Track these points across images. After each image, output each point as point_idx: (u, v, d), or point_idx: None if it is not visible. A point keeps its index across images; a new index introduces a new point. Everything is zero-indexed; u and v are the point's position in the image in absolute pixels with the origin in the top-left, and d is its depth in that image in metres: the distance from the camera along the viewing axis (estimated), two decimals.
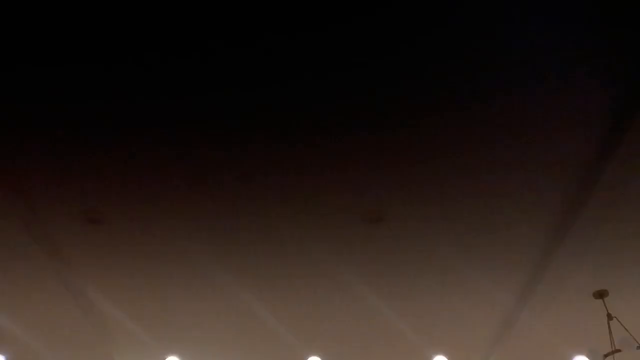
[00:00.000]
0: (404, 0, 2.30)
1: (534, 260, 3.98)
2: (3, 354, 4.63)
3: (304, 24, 2.39)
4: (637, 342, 3.85)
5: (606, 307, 4.22)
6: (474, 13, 2.36)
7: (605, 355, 4.02)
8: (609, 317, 4.19)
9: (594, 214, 3.38)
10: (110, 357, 4.88)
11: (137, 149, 3.02)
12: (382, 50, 2.51)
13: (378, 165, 3.15)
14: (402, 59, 2.55)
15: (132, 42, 2.45)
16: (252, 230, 3.62)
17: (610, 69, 2.64)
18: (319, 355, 5.14)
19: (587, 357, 4.16)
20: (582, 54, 2.56)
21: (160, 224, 3.56)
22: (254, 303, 4.41)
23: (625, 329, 4.08)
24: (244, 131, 2.93)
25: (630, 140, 2.85)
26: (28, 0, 2.26)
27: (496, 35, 2.46)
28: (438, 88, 2.71)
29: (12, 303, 4.11)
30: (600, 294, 4.24)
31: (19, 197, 3.26)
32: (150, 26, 2.39)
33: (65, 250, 3.74)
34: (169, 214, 3.48)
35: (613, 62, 2.60)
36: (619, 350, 3.93)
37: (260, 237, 3.69)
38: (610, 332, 4.13)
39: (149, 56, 2.52)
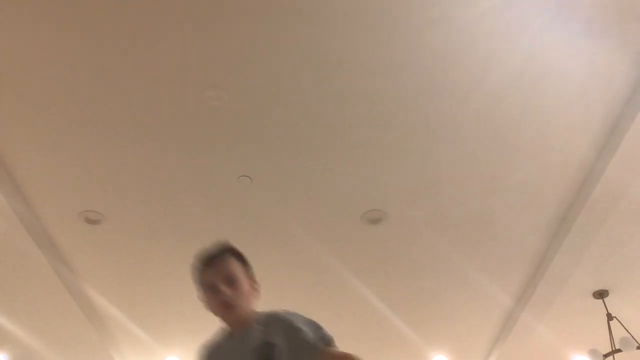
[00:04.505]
0: None
1: (534, 260, 3.98)
2: (3, 354, 4.62)
3: None
4: (637, 342, 3.84)
5: (606, 307, 4.22)
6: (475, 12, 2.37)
7: (605, 356, 4.02)
8: (609, 317, 4.19)
9: (594, 214, 3.38)
10: (110, 357, 4.88)
11: (137, 149, 3.03)
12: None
13: (379, 164, 3.16)
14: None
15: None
16: (252, 230, 3.62)
17: (610, 69, 2.64)
18: None
19: (587, 357, 4.16)
20: (582, 54, 2.57)
21: (160, 224, 3.55)
22: None
23: (625, 329, 4.08)
24: (244, 132, 2.95)
25: (630, 140, 2.85)
26: None
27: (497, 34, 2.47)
28: (439, 89, 2.72)
29: (12, 303, 4.10)
30: (600, 294, 4.24)
31: (18, 197, 3.25)
32: None
33: (65, 250, 3.73)
34: (169, 214, 3.48)
35: (613, 62, 2.61)
36: (619, 350, 3.93)
37: (260, 238, 3.69)
38: (610, 332, 4.13)
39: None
